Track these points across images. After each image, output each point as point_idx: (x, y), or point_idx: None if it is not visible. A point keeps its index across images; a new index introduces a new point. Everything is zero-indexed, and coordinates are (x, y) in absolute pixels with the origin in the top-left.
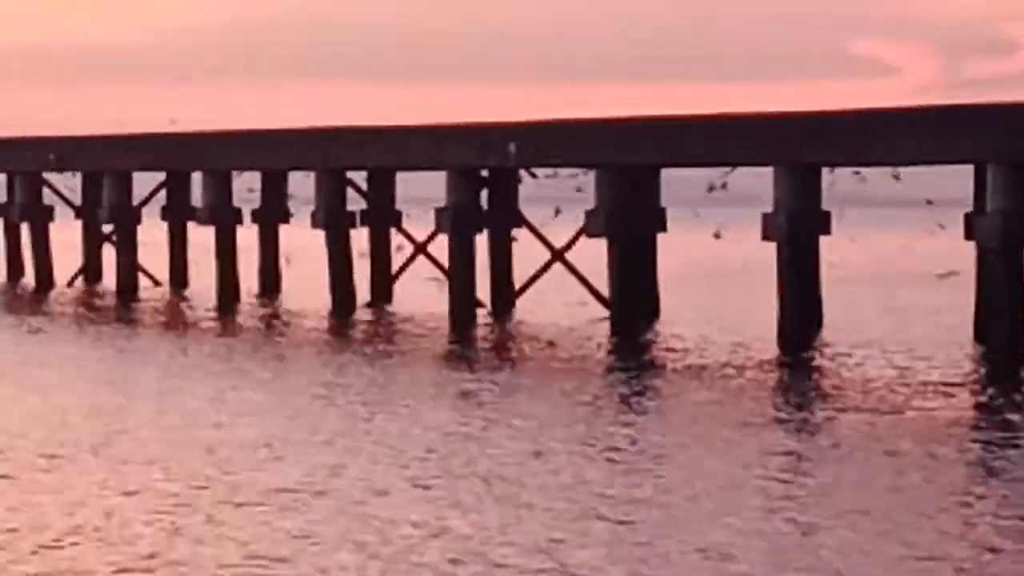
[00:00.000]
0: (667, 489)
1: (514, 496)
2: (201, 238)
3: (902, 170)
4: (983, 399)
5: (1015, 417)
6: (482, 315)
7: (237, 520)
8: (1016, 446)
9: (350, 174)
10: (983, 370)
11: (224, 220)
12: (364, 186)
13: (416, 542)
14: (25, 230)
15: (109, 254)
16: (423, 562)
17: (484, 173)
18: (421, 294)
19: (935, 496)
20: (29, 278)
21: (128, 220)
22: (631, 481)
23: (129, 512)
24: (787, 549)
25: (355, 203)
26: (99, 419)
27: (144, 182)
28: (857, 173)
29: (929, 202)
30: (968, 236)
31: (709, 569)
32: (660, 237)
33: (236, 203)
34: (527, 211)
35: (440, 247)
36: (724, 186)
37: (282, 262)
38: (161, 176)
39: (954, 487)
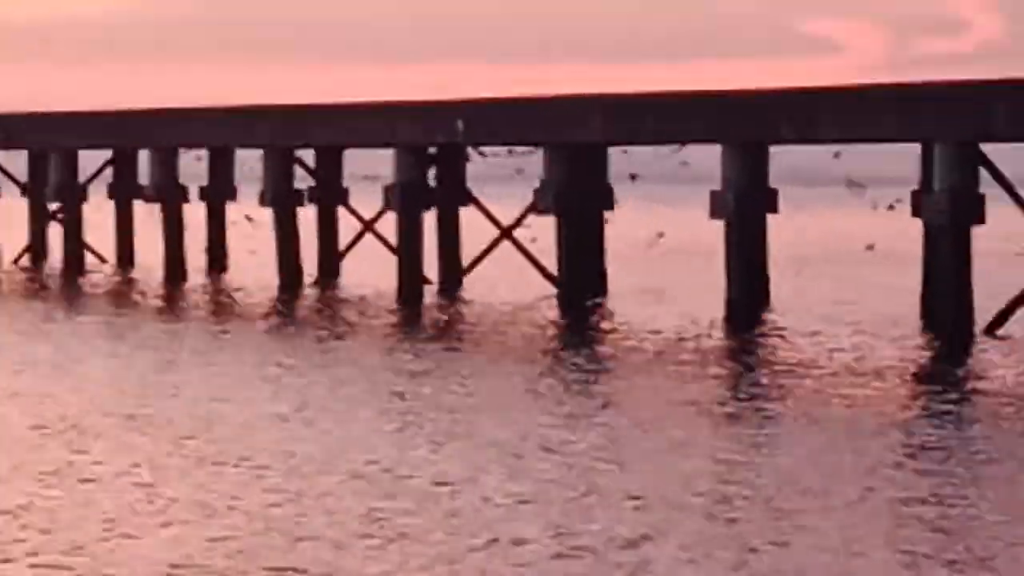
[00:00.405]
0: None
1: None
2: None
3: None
4: (925, 380)
5: (951, 398)
6: (430, 291)
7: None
8: (947, 424)
9: (297, 152)
10: (927, 350)
11: (170, 197)
12: (311, 164)
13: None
14: None
15: (56, 232)
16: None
17: (432, 151)
18: (363, 269)
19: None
20: None
21: (74, 198)
22: (576, 470)
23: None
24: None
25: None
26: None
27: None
28: (837, 156)
29: (852, 183)
30: (915, 214)
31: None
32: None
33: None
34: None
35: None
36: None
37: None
38: (107, 154)
39: (881, 466)
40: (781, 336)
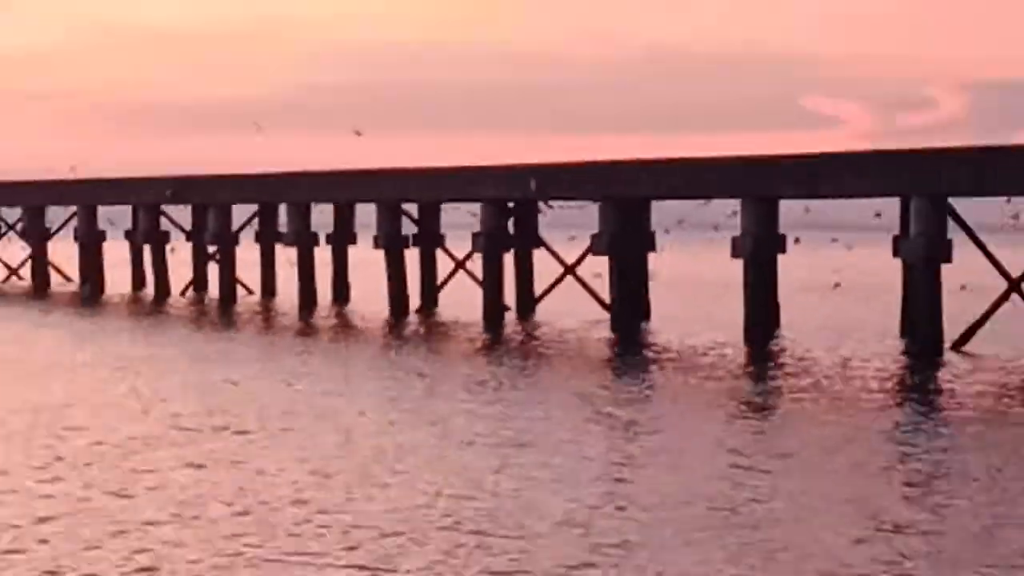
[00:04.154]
0: (655, 448)
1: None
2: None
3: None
4: (908, 380)
5: (937, 399)
6: (509, 316)
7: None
8: (927, 420)
9: (404, 205)
10: (906, 358)
11: (304, 242)
12: (415, 215)
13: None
14: (147, 251)
15: (213, 269)
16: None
17: (511, 204)
18: (457, 299)
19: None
20: (150, 288)
21: (228, 243)
22: (625, 446)
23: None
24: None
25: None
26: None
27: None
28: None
29: (795, 240)
30: (896, 254)
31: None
32: (651, 257)
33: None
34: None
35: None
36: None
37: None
38: (254, 207)
39: (874, 451)
40: (782, 352)
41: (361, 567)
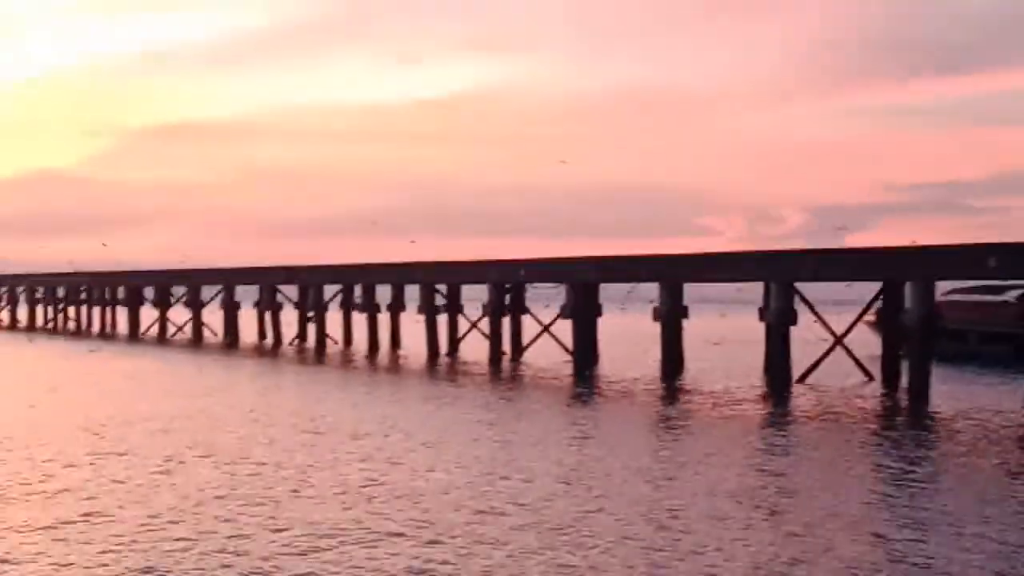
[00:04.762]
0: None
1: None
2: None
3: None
4: (770, 402)
5: (784, 410)
6: (505, 360)
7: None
8: (786, 428)
9: (437, 286)
10: (766, 387)
11: (371, 310)
12: (444, 291)
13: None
14: (267, 316)
15: (311, 328)
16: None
17: (507, 285)
18: (471, 348)
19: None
20: (268, 340)
21: (321, 310)
22: (573, 428)
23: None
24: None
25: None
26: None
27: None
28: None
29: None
30: (761, 319)
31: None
32: (600, 320)
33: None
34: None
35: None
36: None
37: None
38: (338, 287)
39: (751, 447)
40: (686, 383)
41: None
